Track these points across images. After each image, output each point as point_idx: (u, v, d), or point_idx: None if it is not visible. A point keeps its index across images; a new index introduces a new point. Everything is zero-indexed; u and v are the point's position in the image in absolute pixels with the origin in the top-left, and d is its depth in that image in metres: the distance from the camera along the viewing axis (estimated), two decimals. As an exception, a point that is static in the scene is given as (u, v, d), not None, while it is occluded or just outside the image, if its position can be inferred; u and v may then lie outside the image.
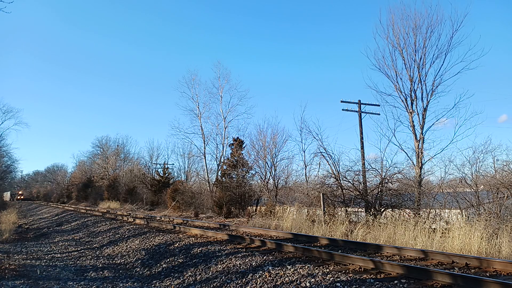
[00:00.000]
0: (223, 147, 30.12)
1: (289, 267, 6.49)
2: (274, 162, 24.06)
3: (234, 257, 7.72)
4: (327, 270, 6.09)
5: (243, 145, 28.27)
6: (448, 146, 15.29)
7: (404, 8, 16.50)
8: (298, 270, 6.25)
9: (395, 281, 5.31)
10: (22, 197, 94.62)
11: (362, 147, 18.74)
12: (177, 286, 6.95)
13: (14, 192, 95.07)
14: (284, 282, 5.89)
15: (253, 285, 6.05)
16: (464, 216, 12.18)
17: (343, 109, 19.43)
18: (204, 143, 30.76)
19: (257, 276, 6.35)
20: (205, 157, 30.78)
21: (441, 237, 9.13)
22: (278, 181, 23.37)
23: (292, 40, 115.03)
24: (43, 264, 9.47)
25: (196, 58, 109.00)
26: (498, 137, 23.08)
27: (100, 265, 9.37)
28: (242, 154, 27.12)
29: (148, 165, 46.78)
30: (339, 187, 15.45)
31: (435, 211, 13.25)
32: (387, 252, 7.83)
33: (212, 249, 8.73)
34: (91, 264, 9.59)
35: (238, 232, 12.20)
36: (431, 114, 16.10)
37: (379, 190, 14.56)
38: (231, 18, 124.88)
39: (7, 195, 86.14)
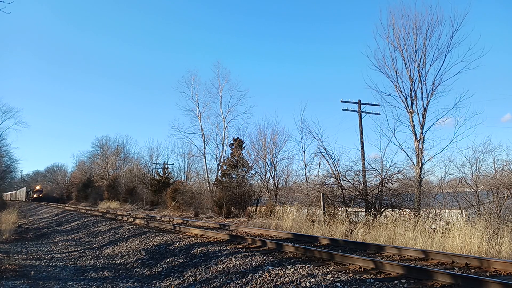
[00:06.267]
0: (223, 147, 30.16)
1: (289, 267, 6.49)
2: (274, 162, 24.08)
3: (234, 257, 7.72)
4: (327, 270, 6.08)
5: (243, 145, 28.26)
6: (448, 146, 15.31)
7: (404, 8, 16.53)
8: (298, 270, 6.25)
9: (395, 281, 5.31)
10: (40, 195, 70.31)
11: (362, 147, 18.75)
12: (177, 286, 6.95)
13: (30, 188, 75.66)
14: (284, 282, 5.89)
15: (253, 285, 6.05)
16: (464, 216, 12.19)
17: (343, 109, 19.43)
18: (204, 143, 30.80)
19: (257, 276, 6.35)
20: (205, 157, 30.81)
21: (441, 237, 9.13)
22: (278, 181, 23.39)
23: (292, 40, 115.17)
24: (43, 264, 9.47)
25: (196, 58, 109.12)
26: (499, 137, 23.12)
27: (100, 265, 9.37)
28: (242, 154, 27.12)
29: (148, 165, 46.84)
30: (339, 187, 15.45)
31: (435, 211, 13.26)
32: (387, 252, 7.83)
33: (212, 249, 8.72)
34: (91, 264, 9.58)
35: (238, 232, 12.20)
36: (431, 114, 16.12)
37: (379, 190, 14.56)
38: (231, 18, 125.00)
39: (22, 193, 75.74)
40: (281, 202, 19.35)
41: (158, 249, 10.03)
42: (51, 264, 9.51)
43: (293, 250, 7.98)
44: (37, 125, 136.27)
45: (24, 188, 77.49)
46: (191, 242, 9.93)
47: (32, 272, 8.13)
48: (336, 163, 16.45)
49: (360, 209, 14.95)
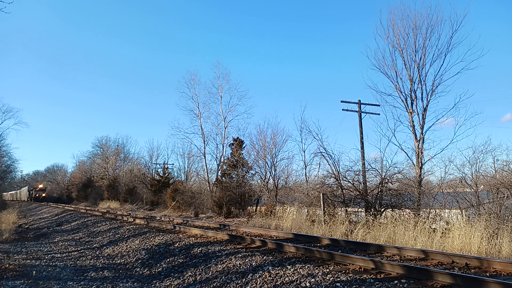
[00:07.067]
0: (223, 147, 30.17)
1: (289, 267, 6.49)
2: (274, 162, 24.07)
3: (234, 257, 7.72)
4: (327, 270, 6.08)
5: (243, 145, 28.27)
6: (448, 146, 15.31)
7: (404, 8, 16.54)
8: (298, 270, 6.25)
9: (395, 281, 5.31)
10: (44, 194, 65.36)
11: (362, 147, 18.75)
12: (177, 286, 6.95)
13: (32, 187, 69.94)
14: (284, 282, 5.89)
15: (253, 285, 6.05)
16: (464, 216, 12.18)
17: (343, 109, 19.43)
18: (204, 143, 30.80)
19: (257, 276, 6.35)
20: (205, 157, 30.81)
21: (441, 237, 9.13)
22: (278, 181, 23.37)
23: (292, 40, 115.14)
24: (43, 264, 9.47)
25: (196, 58, 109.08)
26: (499, 137, 23.16)
27: (100, 265, 9.37)
28: (242, 154, 27.12)
29: (148, 165, 46.84)
30: (339, 187, 15.45)
31: (435, 211, 13.25)
32: (387, 252, 7.83)
33: (212, 249, 8.73)
34: (91, 264, 9.58)
35: (238, 232, 12.20)
36: (431, 114, 16.13)
37: (379, 190, 14.56)
38: (231, 18, 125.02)
39: (23, 192, 72.47)
40: (281, 202, 19.35)
41: (158, 249, 10.03)
42: (51, 264, 9.51)
43: (293, 250, 7.98)
44: (37, 125, 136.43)
45: (26, 188, 73.72)
46: (191, 242, 9.93)
47: (36, 272, 8.13)
48: (336, 163, 16.47)
49: (360, 209, 14.94)
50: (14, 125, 47.21)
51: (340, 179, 15.57)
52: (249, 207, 21.75)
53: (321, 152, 17.57)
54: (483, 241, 8.24)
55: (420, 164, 15.44)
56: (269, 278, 6.17)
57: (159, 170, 39.89)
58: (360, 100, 19.57)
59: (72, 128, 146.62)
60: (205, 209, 25.06)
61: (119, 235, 13.56)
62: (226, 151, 30.02)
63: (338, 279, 5.56)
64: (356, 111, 19.47)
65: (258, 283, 6.08)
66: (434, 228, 10.57)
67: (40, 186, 70.22)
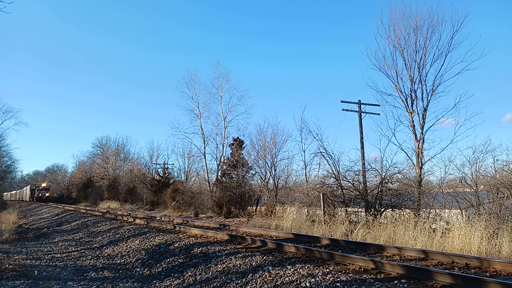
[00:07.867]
0: (223, 147, 30.19)
1: (289, 267, 6.49)
2: (274, 162, 24.06)
3: (234, 257, 7.72)
4: (327, 270, 6.08)
5: (243, 145, 28.28)
6: (448, 146, 15.30)
7: (405, 8, 16.52)
8: (298, 270, 6.25)
9: (395, 281, 5.30)
10: (47, 194, 61.95)
11: (362, 147, 18.74)
12: (177, 286, 6.95)
13: (35, 186, 65.99)
14: (284, 282, 5.88)
15: (253, 285, 6.05)
16: (464, 216, 12.19)
17: (343, 109, 19.43)
18: (204, 143, 30.82)
19: (257, 276, 6.35)
20: (205, 157, 30.83)
21: (441, 237, 9.12)
22: (278, 181, 23.36)
23: (292, 40, 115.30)
24: (43, 264, 9.47)
25: (196, 58, 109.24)
26: (499, 137, 23.16)
27: (100, 265, 9.37)
28: (242, 154, 27.12)
29: (148, 165, 46.82)
30: (339, 187, 15.45)
31: (435, 211, 13.25)
32: (387, 252, 7.83)
33: (212, 249, 8.72)
34: (91, 264, 9.58)
35: (238, 232, 12.20)
36: (431, 114, 16.11)
37: (379, 190, 14.55)
38: (231, 18, 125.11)
39: (25, 192, 70.13)
40: (281, 202, 19.35)
41: (158, 249, 10.03)
42: (51, 264, 9.51)
43: (293, 250, 7.98)
44: (37, 125, 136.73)
45: (28, 187, 69.79)
46: (191, 242, 9.93)
47: (36, 272, 8.13)
48: (336, 163, 16.47)
49: (360, 209, 14.94)
50: (14, 125, 47.34)
51: (340, 179, 15.57)
52: (249, 207, 21.74)
53: (321, 152, 17.58)
54: (483, 241, 8.23)
55: (420, 164, 15.43)
56: (269, 278, 6.17)
57: (159, 170, 39.92)
58: (360, 100, 19.59)
59: (72, 128, 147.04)
60: (205, 209, 25.06)
61: (119, 235, 13.56)
62: (226, 151, 30.10)
63: (338, 279, 5.56)
64: (356, 111, 19.47)
65: (258, 283, 6.08)
66: (434, 228, 10.57)
67: (43, 185, 65.94)
